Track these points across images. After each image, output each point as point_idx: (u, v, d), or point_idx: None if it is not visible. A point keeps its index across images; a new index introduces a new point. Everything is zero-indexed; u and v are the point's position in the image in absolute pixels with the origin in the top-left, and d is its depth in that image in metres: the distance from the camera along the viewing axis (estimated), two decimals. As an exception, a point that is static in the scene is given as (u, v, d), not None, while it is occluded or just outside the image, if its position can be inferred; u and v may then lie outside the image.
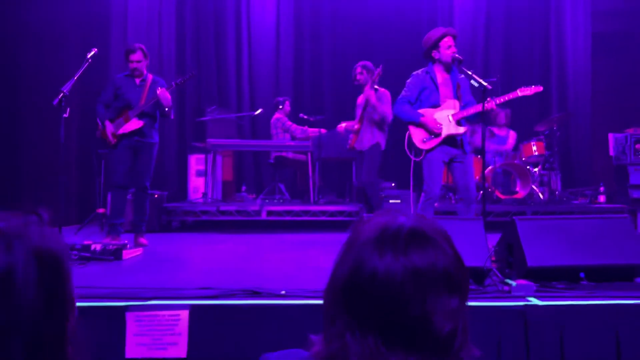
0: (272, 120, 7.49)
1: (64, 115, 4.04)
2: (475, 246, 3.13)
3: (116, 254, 4.09)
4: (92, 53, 4.43)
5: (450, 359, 0.80)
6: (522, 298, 2.70)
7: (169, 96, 4.78)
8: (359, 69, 5.64)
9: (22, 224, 0.83)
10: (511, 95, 4.15)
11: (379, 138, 5.59)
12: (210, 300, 2.61)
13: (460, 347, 0.81)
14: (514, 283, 2.85)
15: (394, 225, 0.84)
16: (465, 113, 4.24)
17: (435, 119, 4.24)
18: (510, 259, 3.25)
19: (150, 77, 4.97)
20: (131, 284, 3.10)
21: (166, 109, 4.84)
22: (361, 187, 6.00)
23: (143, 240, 4.95)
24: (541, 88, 4.19)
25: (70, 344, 0.85)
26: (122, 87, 4.90)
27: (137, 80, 4.93)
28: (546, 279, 3.02)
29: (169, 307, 2.50)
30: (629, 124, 6.94)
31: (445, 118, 4.25)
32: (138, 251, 4.52)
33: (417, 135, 4.30)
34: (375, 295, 0.79)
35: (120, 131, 4.81)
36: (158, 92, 4.73)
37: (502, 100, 4.14)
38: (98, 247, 4.13)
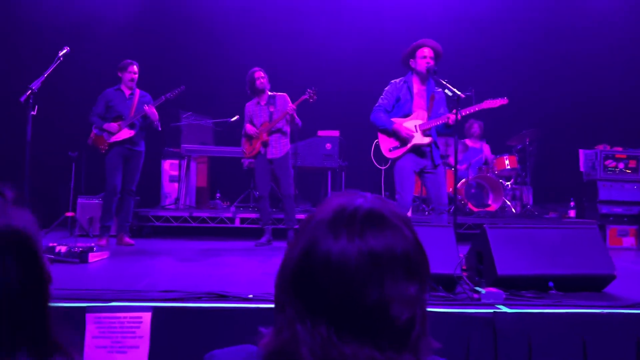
0: None
1: (32, 112, 3.93)
2: (446, 253, 3.12)
3: (82, 256, 3.97)
4: (64, 51, 4.38)
5: (408, 350, 0.75)
6: (492, 306, 2.69)
7: (155, 112, 5.31)
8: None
9: None
10: (477, 107, 4.20)
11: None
12: (175, 303, 2.53)
13: (418, 337, 0.76)
14: (483, 291, 2.85)
15: (351, 207, 0.78)
16: (431, 123, 4.29)
17: (406, 128, 4.27)
18: (480, 267, 3.25)
19: (137, 91, 5.45)
20: (94, 286, 3.00)
21: (155, 123, 5.35)
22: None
23: (129, 240, 5.36)
24: (506, 100, 4.24)
25: (53, 321, 0.83)
26: (113, 99, 5.37)
27: (127, 93, 5.39)
28: (515, 287, 3.02)
29: (131, 309, 2.42)
30: (599, 141, 7.08)
31: (412, 128, 4.29)
32: (105, 254, 4.40)
33: (385, 144, 4.34)
34: (328, 279, 0.74)
35: (113, 139, 5.28)
36: (146, 109, 5.24)
37: (468, 111, 4.18)
38: (63, 249, 4.01)
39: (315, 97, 5.45)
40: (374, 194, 0.83)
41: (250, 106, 5.63)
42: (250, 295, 2.67)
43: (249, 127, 5.55)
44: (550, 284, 3.06)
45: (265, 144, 5.49)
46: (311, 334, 0.73)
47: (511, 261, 3.12)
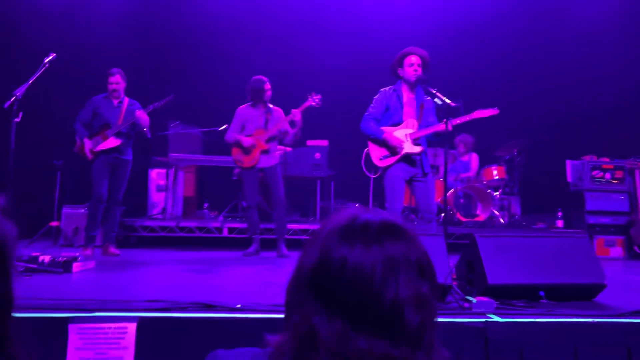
0: None
1: (16, 119, 3.87)
2: (437, 263, 3.08)
3: (65, 266, 3.88)
4: (50, 58, 4.33)
5: (423, 352, 0.78)
6: (483, 315, 2.67)
7: (146, 117, 5.24)
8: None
9: None
10: (467, 117, 4.20)
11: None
12: (160, 313, 2.47)
13: (431, 342, 0.80)
14: (474, 300, 2.82)
15: (362, 218, 0.84)
16: (422, 133, 4.29)
17: (396, 137, 4.26)
18: (471, 276, 3.23)
19: (126, 99, 5.38)
20: (77, 296, 2.92)
21: (144, 129, 5.31)
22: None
23: (114, 250, 5.29)
24: (497, 111, 4.25)
25: (14, 344, 0.81)
26: (100, 107, 5.31)
27: (115, 102, 5.34)
28: (506, 296, 3.00)
29: (115, 319, 2.35)
30: (586, 151, 7.14)
31: (403, 137, 4.29)
32: (90, 264, 4.31)
33: (375, 153, 4.33)
34: (345, 283, 0.78)
35: (99, 148, 5.22)
36: (137, 113, 5.19)
37: (459, 121, 4.19)
38: (46, 258, 3.92)
39: (320, 103, 5.31)
40: (385, 211, 0.93)
41: (244, 110, 5.45)
42: (239, 305, 2.62)
43: (244, 139, 5.31)
44: (541, 293, 3.04)
45: (266, 152, 5.36)
46: (328, 327, 0.76)
47: (502, 270, 3.10)
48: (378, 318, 0.76)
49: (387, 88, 4.44)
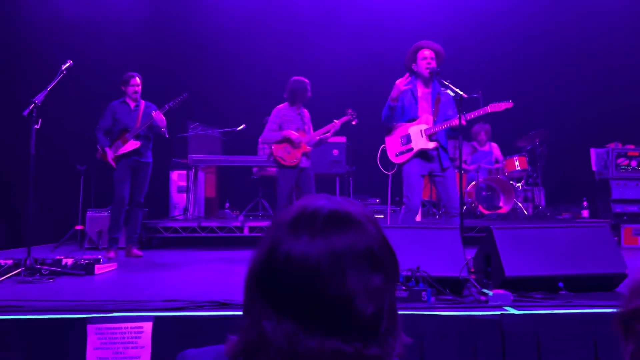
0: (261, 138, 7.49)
1: (35, 126, 3.96)
2: (452, 256, 3.07)
3: (88, 268, 3.97)
4: (67, 65, 4.39)
5: (376, 344, 0.74)
6: (499, 308, 2.63)
7: (163, 117, 5.33)
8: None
9: None
10: (481, 112, 4.14)
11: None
12: (176, 312, 2.51)
13: (387, 331, 0.76)
14: (490, 293, 2.79)
15: (311, 207, 0.80)
16: (436, 128, 4.25)
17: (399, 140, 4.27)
18: (488, 269, 3.19)
19: (142, 102, 5.50)
20: (97, 297, 2.99)
21: (162, 129, 5.37)
22: None
23: (137, 251, 5.37)
24: (511, 104, 4.15)
25: None
26: (118, 112, 5.42)
27: (132, 105, 5.45)
28: (524, 288, 2.95)
29: (131, 319, 2.40)
30: (610, 139, 6.97)
31: (418, 133, 4.27)
32: (112, 266, 4.40)
33: (391, 149, 4.32)
34: (290, 277, 0.75)
35: (120, 152, 5.33)
36: (154, 114, 5.28)
37: (472, 116, 4.13)
38: (69, 261, 4.01)
39: (356, 120, 5.43)
40: (343, 197, 0.86)
41: (283, 110, 5.40)
42: (253, 303, 2.63)
43: (294, 135, 5.26)
44: (560, 284, 2.99)
45: (307, 156, 5.36)
46: (277, 330, 0.74)
47: (519, 262, 3.05)
48: (327, 315, 0.73)
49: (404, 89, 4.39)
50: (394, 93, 4.23)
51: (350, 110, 5.45)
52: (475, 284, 3.00)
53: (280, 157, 5.31)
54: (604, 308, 2.60)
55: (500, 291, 2.80)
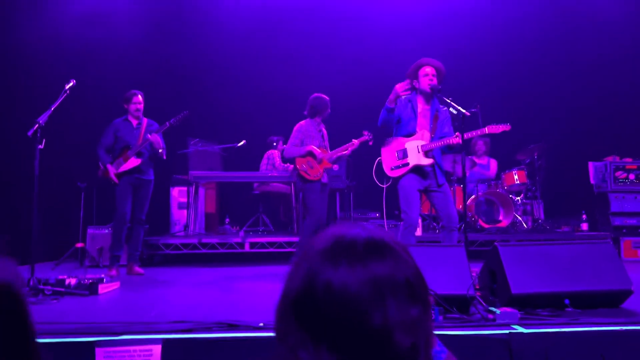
0: (267, 153, 7.54)
1: (39, 146, 3.96)
2: (458, 273, 3.07)
3: (92, 288, 3.95)
4: (71, 84, 4.42)
5: None
6: (507, 326, 2.64)
7: (160, 140, 5.36)
8: None
9: None
10: (479, 132, 4.18)
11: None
12: (184, 334, 2.50)
13: None
14: (498, 311, 2.79)
15: (349, 236, 0.79)
16: (433, 145, 4.29)
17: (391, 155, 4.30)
18: (494, 286, 3.20)
19: (145, 120, 5.53)
20: (104, 318, 2.98)
21: (159, 151, 5.39)
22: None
23: (138, 269, 5.38)
24: (509, 127, 4.17)
25: None
26: (120, 129, 5.46)
27: (134, 123, 5.48)
28: (530, 305, 2.96)
29: (140, 341, 2.39)
30: (608, 152, 7.02)
31: (415, 148, 4.30)
32: (115, 285, 4.38)
33: (387, 162, 4.35)
34: (330, 307, 0.74)
35: (121, 169, 5.35)
36: (150, 137, 5.31)
37: (469, 136, 4.17)
38: (73, 281, 4.00)
39: (372, 141, 5.56)
40: (373, 225, 0.87)
41: (305, 126, 5.45)
42: (261, 324, 2.63)
43: (314, 149, 5.33)
44: (566, 301, 3.00)
45: (327, 172, 5.46)
46: (314, 359, 0.73)
47: (525, 279, 3.06)
48: (365, 346, 0.72)
49: (402, 97, 4.45)
50: (392, 96, 4.27)
51: (366, 132, 5.59)
52: (482, 301, 3.01)
53: (305, 171, 5.34)
54: (611, 325, 2.61)
55: (508, 309, 2.81)
